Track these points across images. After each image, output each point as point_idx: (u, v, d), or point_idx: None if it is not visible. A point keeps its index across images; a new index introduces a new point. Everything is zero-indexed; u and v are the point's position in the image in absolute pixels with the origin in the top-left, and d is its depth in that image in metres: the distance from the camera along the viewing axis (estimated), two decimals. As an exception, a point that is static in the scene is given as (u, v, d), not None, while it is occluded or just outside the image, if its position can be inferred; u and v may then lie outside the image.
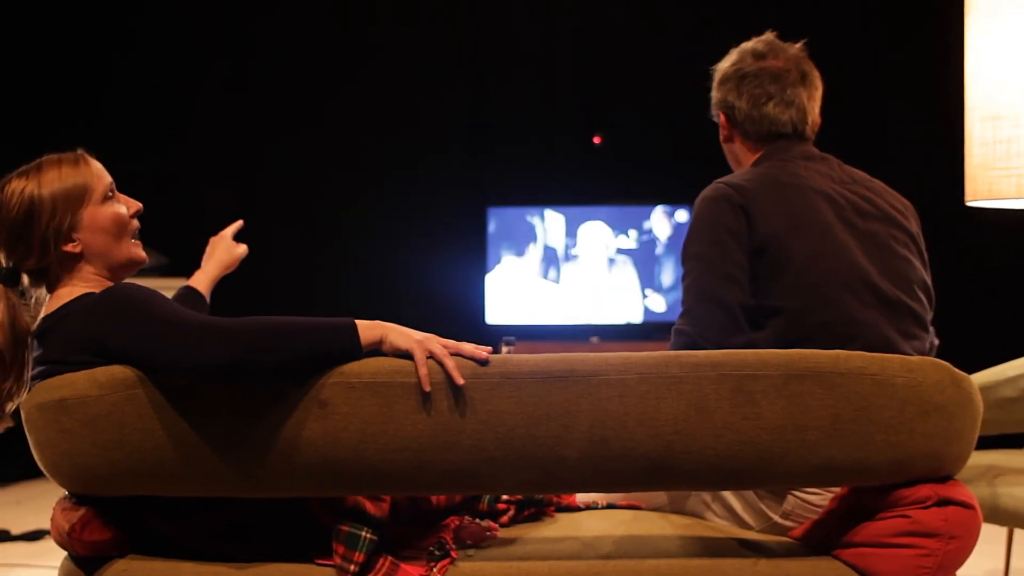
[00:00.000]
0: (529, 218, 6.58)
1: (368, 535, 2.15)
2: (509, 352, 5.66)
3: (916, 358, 2.08)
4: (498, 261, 6.56)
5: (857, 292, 2.47)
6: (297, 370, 2.04)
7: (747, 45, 2.80)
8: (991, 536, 3.05)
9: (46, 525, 4.71)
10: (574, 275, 6.53)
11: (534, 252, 6.56)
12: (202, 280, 2.95)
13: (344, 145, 6.76)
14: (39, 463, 2.14)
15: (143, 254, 2.37)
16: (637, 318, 6.52)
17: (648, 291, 6.53)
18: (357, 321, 2.08)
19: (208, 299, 2.93)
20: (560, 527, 2.43)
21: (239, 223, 3.07)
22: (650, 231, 6.52)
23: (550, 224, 6.55)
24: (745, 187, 2.53)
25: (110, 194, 2.33)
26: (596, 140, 6.83)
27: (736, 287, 2.46)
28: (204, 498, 2.17)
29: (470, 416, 2.01)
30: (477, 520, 2.32)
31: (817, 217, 2.51)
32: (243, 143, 6.86)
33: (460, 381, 2.02)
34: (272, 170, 6.86)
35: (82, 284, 2.28)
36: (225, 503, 2.19)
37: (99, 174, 2.33)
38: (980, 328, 6.00)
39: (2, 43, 6.27)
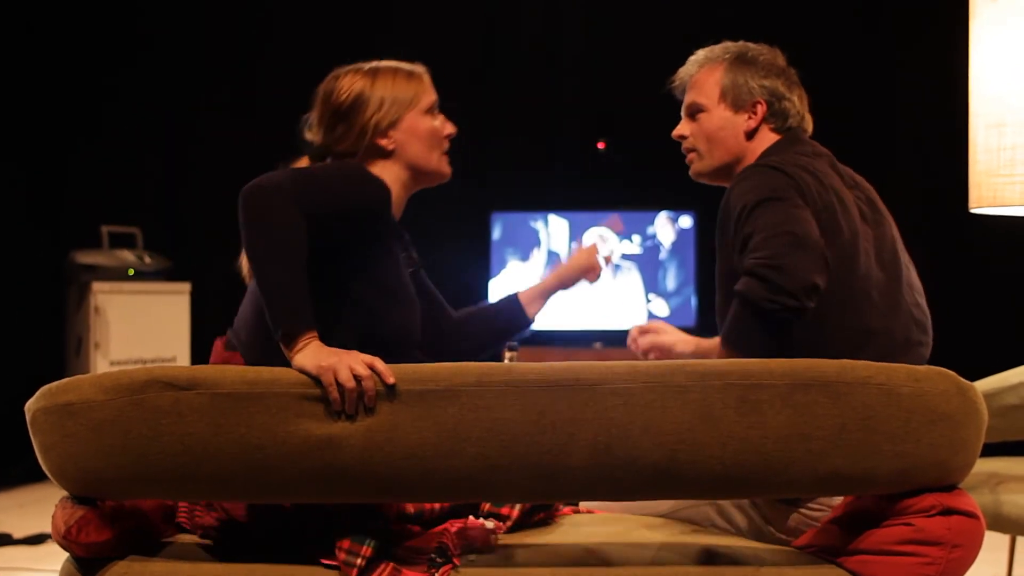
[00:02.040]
0: (533, 223, 6.58)
1: (371, 545, 2.13)
2: (512, 358, 5.67)
3: (923, 367, 2.08)
4: (502, 266, 6.56)
5: (873, 301, 2.46)
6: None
7: (750, 43, 2.78)
8: (994, 544, 3.05)
9: (49, 529, 4.71)
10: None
11: (538, 257, 6.56)
12: (532, 289, 2.82)
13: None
14: (43, 466, 2.14)
15: (449, 169, 2.57)
16: (640, 324, 6.51)
17: (652, 296, 6.53)
18: (306, 330, 2.07)
19: (530, 312, 2.78)
20: (563, 533, 2.43)
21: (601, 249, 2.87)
22: (654, 236, 6.53)
23: (554, 229, 6.56)
24: (792, 171, 2.45)
25: (433, 110, 2.53)
26: (600, 145, 6.84)
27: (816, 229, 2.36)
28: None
29: (475, 424, 2.00)
30: (482, 521, 2.31)
31: (849, 224, 2.47)
32: (247, 146, 6.86)
33: (370, 404, 2.01)
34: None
35: (380, 175, 2.42)
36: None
37: (427, 89, 2.55)
38: (984, 335, 6.01)
39: (9, 52, 6.27)
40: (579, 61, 6.93)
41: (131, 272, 6.39)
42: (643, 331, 2.80)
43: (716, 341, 2.58)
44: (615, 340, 6.49)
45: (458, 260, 6.75)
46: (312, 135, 2.53)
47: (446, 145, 2.57)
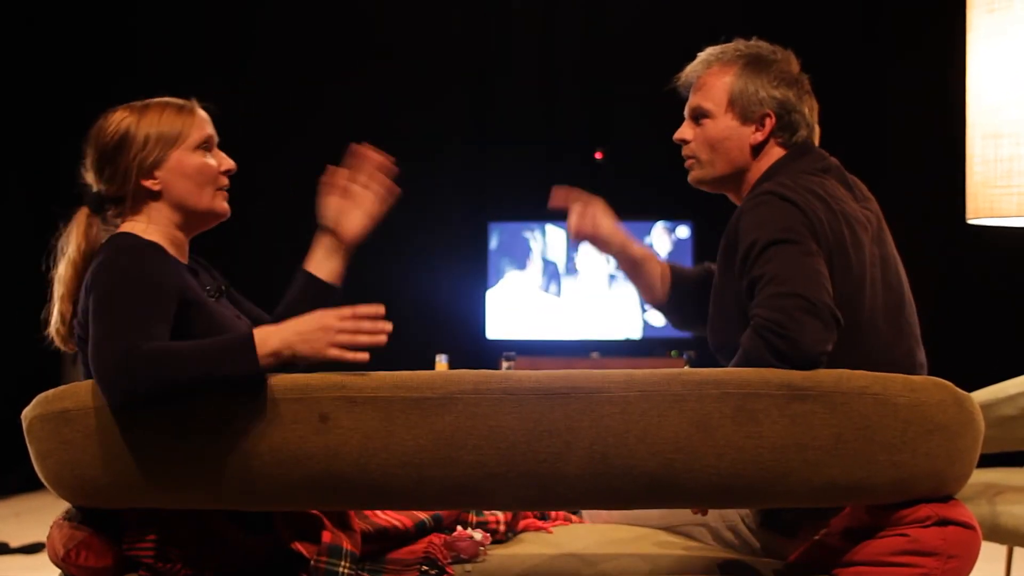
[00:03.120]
0: (530, 233, 6.58)
1: (345, 570, 2.13)
2: (510, 367, 5.66)
3: (919, 378, 2.07)
4: (499, 276, 6.56)
5: (880, 332, 2.36)
6: (199, 393, 2.03)
7: (764, 43, 2.61)
8: (991, 555, 3.05)
9: (45, 538, 4.70)
10: (575, 290, 6.53)
11: (535, 267, 6.56)
12: (317, 256, 2.54)
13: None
14: (40, 474, 2.14)
15: (225, 207, 2.42)
16: (636, 334, 6.52)
17: (648, 307, 6.52)
18: (256, 332, 2.05)
19: (331, 280, 2.51)
20: (557, 544, 2.43)
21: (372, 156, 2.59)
22: (651, 247, 6.53)
23: (551, 239, 6.56)
24: (804, 203, 2.32)
25: (205, 145, 2.40)
26: (598, 155, 6.84)
27: (827, 282, 2.24)
28: (167, 515, 2.15)
29: (471, 432, 2.00)
30: (469, 532, 2.31)
31: (859, 254, 2.35)
32: (242, 154, 6.85)
33: (363, 357, 2.06)
34: (272, 180, 6.86)
35: (151, 224, 2.32)
36: (192, 520, 2.17)
37: (199, 124, 2.40)
38: (980, 345, 6.01)
39: (5, 58, 6.28)
40: (576, 71, 6.93)
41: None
42: (583, 212, 2.79)
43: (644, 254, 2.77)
44: (611, 350, 6.49)
45: (455, 270, 6.76)
46: (89, 180, 2.41)
47: (222, 182, 2.42)
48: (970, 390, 2.23)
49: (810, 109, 2.57)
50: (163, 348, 2.02)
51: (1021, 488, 3.17)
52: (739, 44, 2.61)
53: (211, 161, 2.40)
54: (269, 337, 2.05)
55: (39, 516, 5.51)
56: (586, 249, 2.87)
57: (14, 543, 4.94)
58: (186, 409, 2.03)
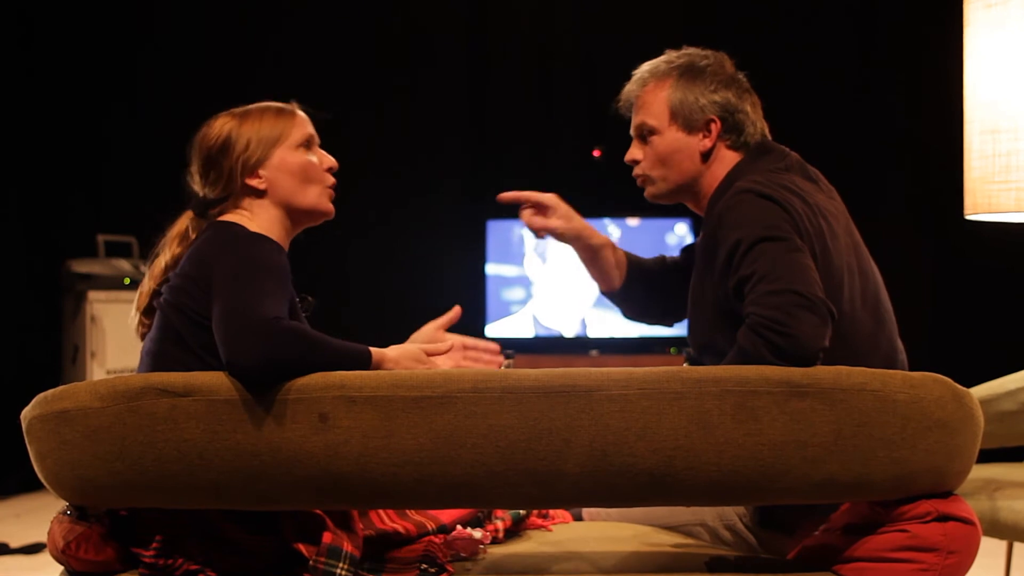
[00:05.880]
0: (529, 230, 6.58)
1: (343, 571, 2.14)
2: (508, 366, 5.66)
3: (918, 374, 2.07)
4: (498, 274, 6.56)
5: (860, 319, 2.39)
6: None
7: (694, 50, 2.65)
8: (991, 550, 3.05)
9: (45, 538, 4.70)
10: (573, 288, 6.53)
11: (534, 265, 6.56)
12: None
13: (342, 156, 6.76)
14: (39, 474, 2.14)
15: (330, 206, 2.48)
16: (635, 331, 6.52)
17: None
18: (373, 354, 2.14)
19: None
20: (558, 542, 2.43)
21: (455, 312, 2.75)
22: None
23: (550, 237, 6.56)
24: (782, 200, 2.32)
25: (307, 144, 2.45)
26: (596, 153, 6.84)
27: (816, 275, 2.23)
28: (171, 514, 2.16)
29: (471, 430, 2.00)
30: (469, 531, 2.31)
31: (836, 244, 2.37)
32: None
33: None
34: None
35: (256, 220, 2.37)
36: (196, 518, 2.17)
37: (300, 124, 2.47)
38: (979, 341, 6.01)
39: (6, 59, 6.27)
40: (576, 68, 6.93)
41: (127, 281, 6.38)
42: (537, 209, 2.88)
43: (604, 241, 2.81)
44: (610, 348, 6.49)
45: (453, 268, 6.75)
46: (195, 186, 2.47)
47: (328, 180, 2.48)
48: (969, 386, 2.23)
49: (752, 106, 2.60)
50: (301, 328, 2.09)
51: (1021, 483, 3.17)
52: (669, 56, 2.65)
53: (313, 159, 2.46)
54: (381, 365, 2.15)
55: (39, 516, 5.51)
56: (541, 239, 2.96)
57: (14, 543, 4.94)
58: (185, 408, 2.03)
